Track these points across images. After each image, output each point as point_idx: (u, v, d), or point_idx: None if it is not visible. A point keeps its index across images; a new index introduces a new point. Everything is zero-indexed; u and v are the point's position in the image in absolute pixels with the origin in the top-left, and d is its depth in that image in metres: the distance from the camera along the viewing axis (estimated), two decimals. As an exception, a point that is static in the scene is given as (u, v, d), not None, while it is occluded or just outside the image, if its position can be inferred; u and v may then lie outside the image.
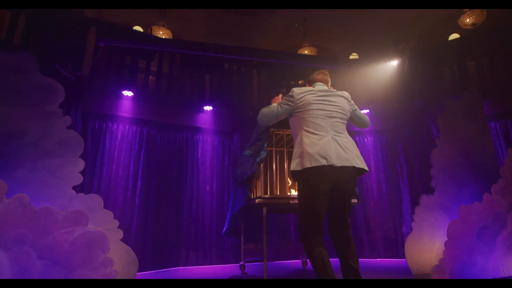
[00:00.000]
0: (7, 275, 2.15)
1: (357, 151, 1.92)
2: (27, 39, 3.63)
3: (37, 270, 2.21)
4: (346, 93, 2.09)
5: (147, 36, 4.88)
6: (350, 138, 1.97)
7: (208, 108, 4.65)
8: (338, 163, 1.77)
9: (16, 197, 2.29)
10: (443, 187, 3.69)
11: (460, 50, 4.70)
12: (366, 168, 1.91)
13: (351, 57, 6.17)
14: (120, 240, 2.87)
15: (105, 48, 4.15)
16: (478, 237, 2.84)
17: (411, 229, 3.55)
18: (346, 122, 2.03)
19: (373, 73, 5.05)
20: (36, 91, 2.92)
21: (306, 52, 7.00)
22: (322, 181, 1.75)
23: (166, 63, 4.72)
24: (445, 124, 3.97)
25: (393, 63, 4.92)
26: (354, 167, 1.85)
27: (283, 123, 3.51)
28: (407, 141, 4.72)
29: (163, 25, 6.35)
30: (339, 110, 1.97)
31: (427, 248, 3.45)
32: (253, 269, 3.97)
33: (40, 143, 2.84)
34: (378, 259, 4.43)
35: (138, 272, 3.89)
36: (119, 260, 2.77)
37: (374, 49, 5.54)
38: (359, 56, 6.13)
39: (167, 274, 3.74)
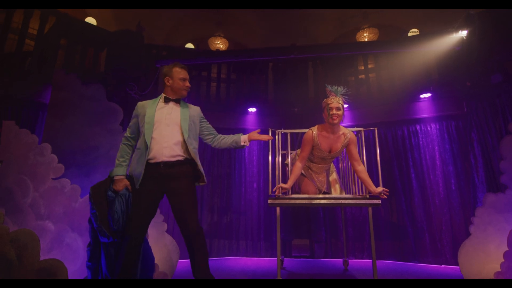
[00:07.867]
0: (82, 254, 2.94)
1: None
2: (106, 69, 4.65)
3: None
4: None
5: (194, 52, 5.50)
6: None
7: (252, 109, 4.89)
8: None
9: (86, 197, 3.07)
10: (521, 184, 2.97)
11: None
12: None
13: (410, 34, 5.34)
14: (166, 231, 3.44)
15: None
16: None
17: (470, 234, 3.00)
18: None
19: (437, 48, 4.30)
20: (104, 113, 3.77)
21: (365, 34, 6.43)
22: None
23: (206, 73, 5.21)
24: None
25: (462, 33, 4.09)
26: None
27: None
28: (483, 128, 3.87)
29: (219, 35, 6.91)
30: None
31: (493, 258, 2.86)
32: (297, 264, 4.06)
33: (108, 153, 3.66)
34: (443, 265, 3.84)
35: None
36: (164, 248, 3.33)
37: (440, 18, 4.69)
38: (420, 31, 5.24)
39: (218, 263, 4.22)
